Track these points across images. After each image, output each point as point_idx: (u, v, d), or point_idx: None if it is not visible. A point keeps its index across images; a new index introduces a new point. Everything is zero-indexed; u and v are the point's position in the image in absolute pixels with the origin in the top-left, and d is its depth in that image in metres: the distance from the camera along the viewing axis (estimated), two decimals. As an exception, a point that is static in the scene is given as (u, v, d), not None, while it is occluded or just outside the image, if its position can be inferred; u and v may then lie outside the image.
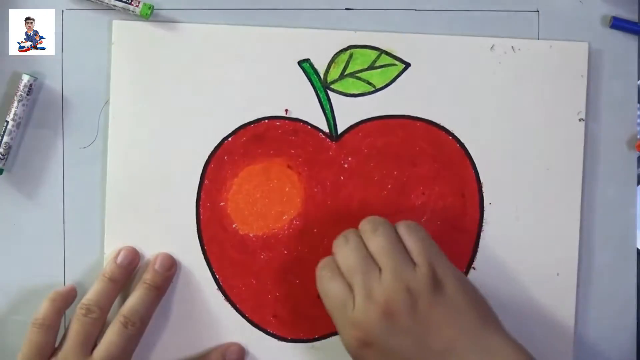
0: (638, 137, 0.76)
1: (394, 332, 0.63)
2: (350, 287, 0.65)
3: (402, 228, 0.67)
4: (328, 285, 0.67)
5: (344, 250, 0.67)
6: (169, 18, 0.75)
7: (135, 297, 0.72)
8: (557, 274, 0.75)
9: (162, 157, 0.75)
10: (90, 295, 0.72)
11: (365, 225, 0.68)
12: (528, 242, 0.75)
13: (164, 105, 0.75)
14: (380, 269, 0.65)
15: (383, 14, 0.75)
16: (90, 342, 0.71)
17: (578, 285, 0.75)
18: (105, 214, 0.75)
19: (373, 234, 0.67)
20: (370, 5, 0.75)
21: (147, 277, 0.73)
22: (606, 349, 0.71)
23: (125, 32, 0.74)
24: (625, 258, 0.76)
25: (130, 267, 0.74)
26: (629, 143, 0.76)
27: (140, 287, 0.73)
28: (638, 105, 0.76)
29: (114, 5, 0.73)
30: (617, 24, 0.75)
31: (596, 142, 0.76)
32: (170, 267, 0.74)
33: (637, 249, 0.76)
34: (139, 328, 0.72)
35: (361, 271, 0.65)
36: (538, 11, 0.76)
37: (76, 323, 0.71)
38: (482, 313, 0.65)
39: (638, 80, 0.76)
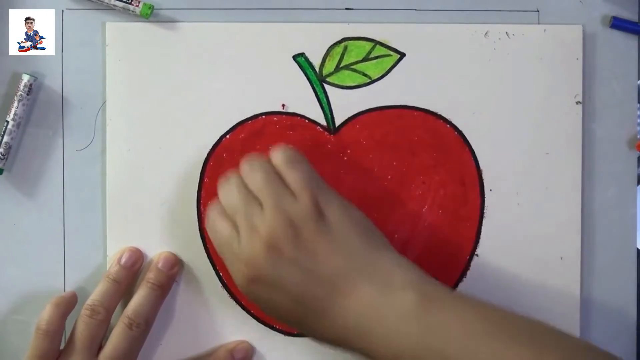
0: (638, 137, 0.76)
1: (280, 264, 0.64)
2: (235, 226, 0.66)
3: (280, 162, 0.68)
4: (214, 227, 0.68)
5: (226, 190, 0.68)
6: (168, 18, 0.75)
7: (139, 298, 0.73)
8: (561, 258, 0.75)
9: (162, 156, 0.75)
10: (95, 296, 0.72)
11: (243, 164, 0.69)
12: (530, 226, 0.74)
13: (160, 105, 0.75)
14: (262, 205, 0.65)
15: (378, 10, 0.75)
16: (96, 344, 0.71)
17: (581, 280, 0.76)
18: (107, 215, 0.75)
19: (251, 172, 0.67)
20: (367, 5, 0.75)
21: (151, 276, 0.73)
22: (606, 348, 0.71)
23: (119, 33, 0.74)
24: (625, 258, 0.76)
25: (134, 268, 0.74)
26: (629, 143, 0.76)
27: (144, 286, 0.73)
28: (638, 105, 0.76)
29: (114, 5, 0.73)
30: (617, 24, 0.75)
31: (596, 142, 0.76)
32: (174, 266, 0.74)
33: (637, 249, 0.76)
34: (143, 329, 0.72)
35: (243, 209, 0.66)
36: (538, 11, 0.75)
37: (81, 325, 0.71)
38: (368, 237, 0.65)
39: (638, 80, 0.76)
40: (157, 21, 0.74)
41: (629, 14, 0.76)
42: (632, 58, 0.76)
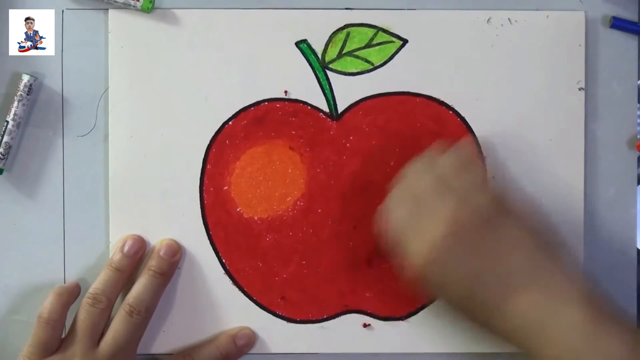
0: (638, 137, 0.76)
1: (459, 249, 0.63)
2: (420, 206, 0.65)
3: (471, 151, 0.69)
4: (397, 205, 0.67)
5: (414, 171, 0.68)
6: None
7: (140, 285, 0.72)
8: (564, 240, 0.74)
9: (164, 143, 0.75)
10: (97, 284, 0.72)
11: (435, 147, 0.69)
12: (533, 212, 0.74)
13: (163, 91, 0.75)
14: (450, 191, 0.65)
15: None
16: (98, 333, 0.71)
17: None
18: (110, 202, 0.74)
19: (443, 156, 0.67)
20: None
21: (152, 263, 0.73)
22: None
23: (122, 20, 0.74)
24: (625, 258, 0.76)
25: (136, 256, 0.74)
26: (629, 143, 0.76)
27: (146, 274, 0.73)
28: (638, 105, 0.76)
29: (115, 1, 0.73)
30: (617, 24, 0.75)
31: (596, 142, 0.76)
32: (176, 253, 0.74)
33: (637, 249, 0.76)
34: (144, 316, 0.72)
35: (430, 190, 0.65)
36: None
37: (83, 313, 0.71)
38: (547, 241, 0.65)
39: (638, 80, 0.76)
40: (159, 8, 0.75)
41: (629, 14, 0.76)
42: (632, 58, 0.76)
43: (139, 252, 0.74)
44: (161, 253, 0.73)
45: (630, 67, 0.76)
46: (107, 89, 0.74)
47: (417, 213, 0.65)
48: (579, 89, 0.75)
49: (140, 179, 0.75)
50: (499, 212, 0.65)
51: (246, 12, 0.75)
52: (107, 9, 0.74)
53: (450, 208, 0.64)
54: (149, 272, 0.73)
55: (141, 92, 0.75)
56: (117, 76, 0.75)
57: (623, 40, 0.76)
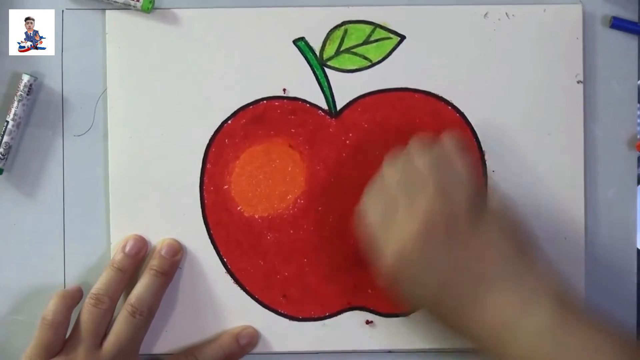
0: (638, 137, 0.76)
1: (433, 245, 0.62)
2: (394, 204, 0.65)
3: (452, 147, 0.67)
4: (371, 203, 0.67)
5: (392, 166, 0.67)
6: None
7: (142, 285, 0.72)
8: (565, 238, 0.74)
9: (163, 143, 0.75)
10: (99, 285, 0.72)
11: (414, 142, 0.68)
12: (533, 207, 0.74)
13: (162, 91, 0.75)
14: (425, 186, 0.64)
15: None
16: (100, 333, 0.71)
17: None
18: (110, 203, 0.74)
19: (422, 151, 0.67)
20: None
21: (154, 263, 0.73)
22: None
23: (119, 21, 0.74)
24: (625, 258, 0.76)
25: (138, 256, 0.74)
26: (629, 143, 0.76)
27: (147, 274, 0.73)
28: (638, 105, 0.76)
29: (115, 1, 0.73)
30: (617, 24, 0.75)
31: (596, 142, 0.76)
32: (177, 253, 0.74)
33: (637, 249, 0.76)
34: (147, 316, 0.72)
35: (406, 184, 0.65)
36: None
37: (86, 314, 0.71)
38: (522, 242, 0.65)
39: (638, 80, 0.76)
40: (157, 8, 0.75)
41: (629, 14, 0.76)
42: (632, 58, 0.76)
43: (140, 252, 0.74)
44: (162, 252, 0.73)
45: (630, 67, 0.76)
46: (105, 90, 0.74)
47: (391, 212, 0.65)
48: (578, 82, 0.75)
49: (140, 179, 0.75)
50: (475, 210, 0.64)
51: (244, 10, 0.75)
52: (107, 9, 0.74)
53: (424, 203, 0.63)
54: (150, 272, 0.73)
55: (140, 92, 0.75)
56: (115, 77, 0.75)
57: (623, 40, 0.76)
